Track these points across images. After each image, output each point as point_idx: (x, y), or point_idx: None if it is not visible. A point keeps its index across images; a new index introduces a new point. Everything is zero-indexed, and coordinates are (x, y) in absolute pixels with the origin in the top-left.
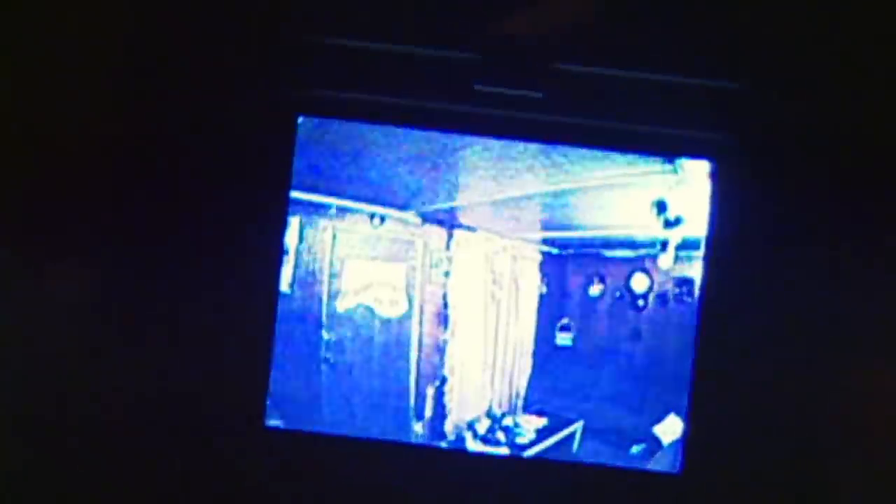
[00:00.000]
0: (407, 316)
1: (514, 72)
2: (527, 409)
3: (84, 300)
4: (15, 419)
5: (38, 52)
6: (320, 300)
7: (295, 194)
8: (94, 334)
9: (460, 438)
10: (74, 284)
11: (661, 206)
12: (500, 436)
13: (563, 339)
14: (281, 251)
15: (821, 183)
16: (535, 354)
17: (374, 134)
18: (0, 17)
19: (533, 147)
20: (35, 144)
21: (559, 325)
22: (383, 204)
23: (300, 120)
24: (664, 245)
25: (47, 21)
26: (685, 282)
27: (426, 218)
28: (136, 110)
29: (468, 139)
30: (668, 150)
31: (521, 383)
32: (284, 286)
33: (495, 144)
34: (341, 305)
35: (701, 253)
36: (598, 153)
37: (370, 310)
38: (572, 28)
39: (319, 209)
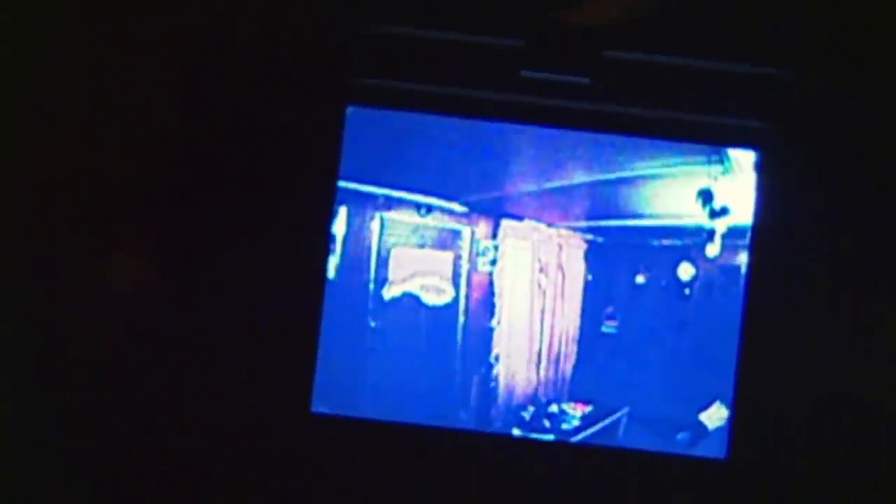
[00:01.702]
0: (453, 304)
1: (561, 59)
2: (572, 396)
3: (131, 288)
4: (64, 406)
5: (101, 44)
6: (367, 288)
7: (343, 184)
8: (142, 320)
9: (506, 425)
10: (123, 272)
11: (706, 196)
12: (546, 422)
13: (609, 327)
14: (328, 240)
15: (868, 171)
16: (580, 342)
17: (422, 123)
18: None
19: (580, 136)
20: (91, 132)
21: (605, 313)
22: (430, 193)
23: (349, 110)
24: (710, 234)
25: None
26: (731, 270)
27: (473, 207)
28: (183, 99)
29: (515, 128)
30: (714, 139)
31: (567, 371)
32: (331, 274)
33: (542, 133)
34: (388, 293)
35: (747, 242)
36: (645, 142)
37: (416, 298)
38: (620, 16)
39: (367, 199)
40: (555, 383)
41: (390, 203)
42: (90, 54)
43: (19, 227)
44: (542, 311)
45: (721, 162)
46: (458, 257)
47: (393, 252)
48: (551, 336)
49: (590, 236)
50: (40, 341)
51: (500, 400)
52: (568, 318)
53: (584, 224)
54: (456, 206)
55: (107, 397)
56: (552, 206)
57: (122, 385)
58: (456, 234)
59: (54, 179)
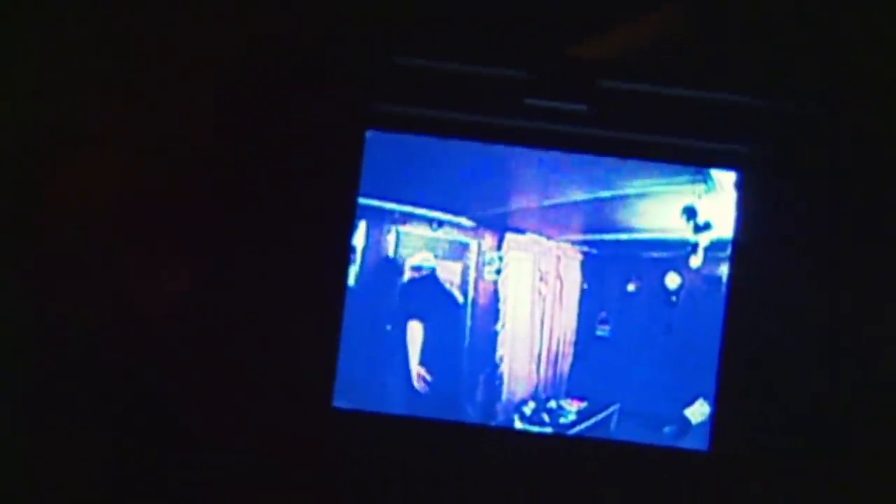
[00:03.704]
0: (462, 309)
1: (561, 88)
2: (569, 393)
3: (161, 298)
4: (98, 409)
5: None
6: (383, 294)
7: (363, 200)
8: (173, 327)
9: (509, 419)
10: (153, 284)
11: (691, 212)
12: (545, 417)
13: (602, 330)
14: (349, 251)
15: (842, 189)
16: (576, 344)
17: (435, 146)
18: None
19: (577, 158)
20: (129, 154)
21: (599, 318)
22: (442, 209)
23: (369, 134)
24: (694, 247)
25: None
26: (714, 280)
27: (480, 222)
28: (217, 119)
29: (519, 150)
30: (699, 161)
31: (565, 370)
32: (352, 281)
33: (543, 155)
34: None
35: (728, 254)
36: (636, 164)
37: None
38: (616, 50)
39: (385, 214)
40: (553, 381)
41: (405, 218)
42: (130, 79)
43: (62, 234)
44: (542, 316)
45: (704, 181)
46: (466, 267)
47: (407, 262)
48: (550, 339)
49: (586, 248)
50: (72, 341)
51: (504, 396)
52: (565, 323)
53: (580, 237)
54: (464, 221)
55: (134, 395)
56: (552, 221)
57: (151, 383)
58: (464, 246)
59: (89, 193)
